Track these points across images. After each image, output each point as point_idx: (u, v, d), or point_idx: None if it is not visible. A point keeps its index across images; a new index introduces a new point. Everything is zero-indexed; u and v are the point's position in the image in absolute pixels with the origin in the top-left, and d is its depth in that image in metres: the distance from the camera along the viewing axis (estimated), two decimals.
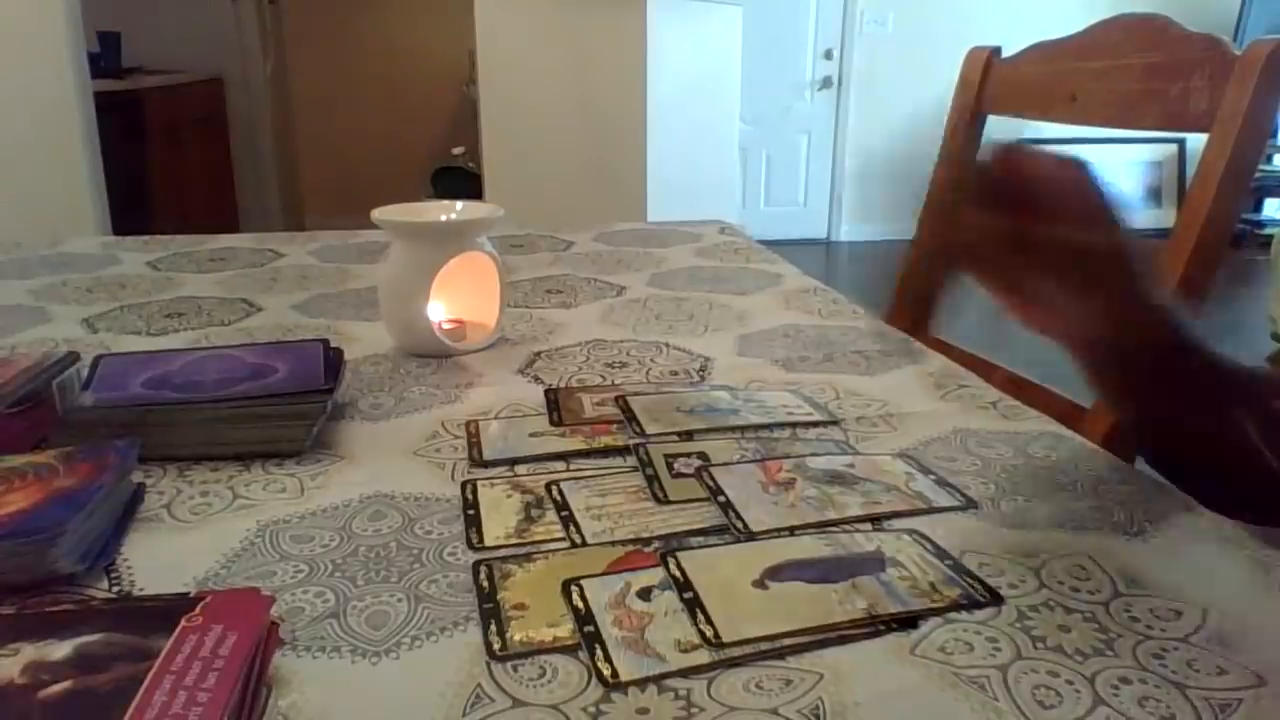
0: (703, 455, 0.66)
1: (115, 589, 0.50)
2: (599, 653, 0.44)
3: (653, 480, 0.62)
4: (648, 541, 0.55)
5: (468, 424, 0.72)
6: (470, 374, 0.84)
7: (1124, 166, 5.98)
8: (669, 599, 0.49)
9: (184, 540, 0.55)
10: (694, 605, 0.48)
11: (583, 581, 0.50)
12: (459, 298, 0.90)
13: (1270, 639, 0.47)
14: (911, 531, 0.56)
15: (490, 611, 0.48)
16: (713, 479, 0.62)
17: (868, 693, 0.42)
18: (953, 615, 0.48)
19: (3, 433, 0.63)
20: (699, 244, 1.37)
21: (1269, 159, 5.40)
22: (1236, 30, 5.56)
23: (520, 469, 0.65)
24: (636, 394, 0.76)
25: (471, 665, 0.44)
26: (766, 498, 0.60)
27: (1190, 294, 0.95)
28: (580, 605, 0.48)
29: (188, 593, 0.49)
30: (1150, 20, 1.06)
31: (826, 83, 5.84)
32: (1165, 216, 5.91)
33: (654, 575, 0.51)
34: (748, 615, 0.47)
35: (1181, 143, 5.94)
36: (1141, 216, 5.94)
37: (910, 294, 1.33)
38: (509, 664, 0.44)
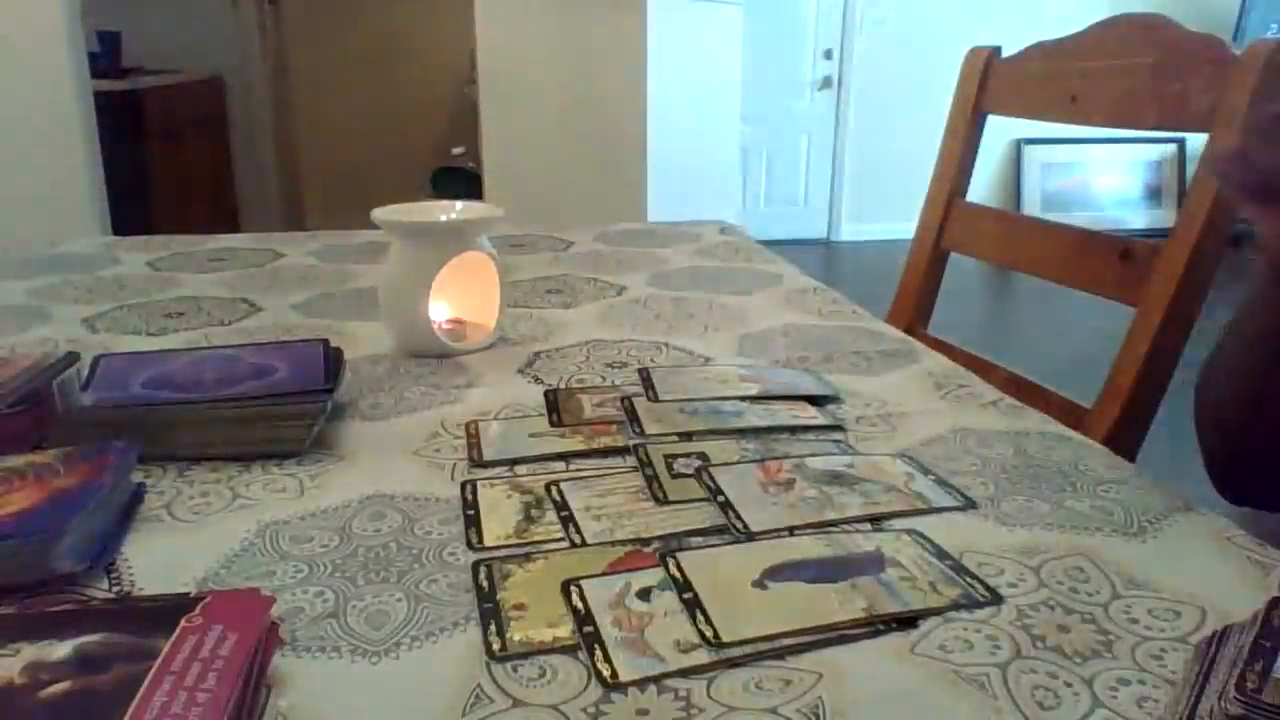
0: (702, 455, 0.66)
1: (115, 589, 0.50)
2: (599, 653, 0.44)
3: (652, 480, 0.62)
4: (647, 542, 0.55)
5: (468, 424, 0.72)
6: (470, 374, 0.84)
7: (1124, 166, 5.98)
8: (669, 599, 0.49)
9: (184, 540, 0.55)
10: (694, 605, 0.48)
11: (582, 582, 0.50)
12: (459, 298, 0.91)
13: None
14: (911, 531, 0.56)
15: (490, 611, 0.48)
16: (712, 479, 0.62)
17: (868, 692, 0.42)
18: (952, 614, 0.48)
19: (3, 433, 0.63)
20: (699, 244, 1.37)
21: None
22: (1236, 30, 5.55)
23: (520, 469, 0.65)
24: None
25: (471, 665, 0.44)
26: (766, 498, 0.60)
27: (1190, 293, 0.95)
28: (580, 605, 0.48)
29: (188, 593, 0.49)
30: (1150, 20, 1.06)
31: (826, 83, 5.84)
32: (1165, 216, 5.91)
33: (654, 575, 0.51)
34: (747, 615, 0.47)
35: (1181, 143, 5.94)
36: (1141, 216, 5.94)
37: (910, 294, 1.33)
38: (509, 664, 0.44)
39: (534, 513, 0.58)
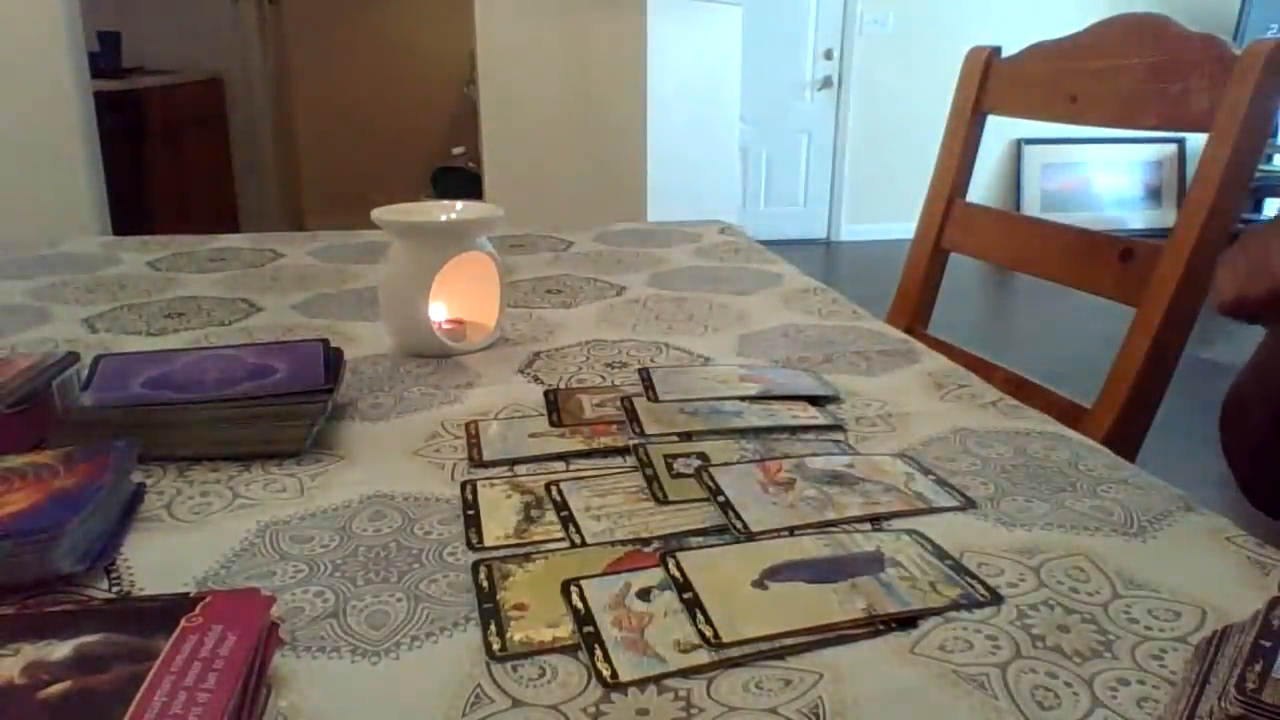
0: (702, 455, 0.66)
1: (115, 589, 0.50)
2: (599, 653, 0.44)
3: (652, 480, 0.62)
4: (647, 542, 0.55)
5: (468, 424, 0.72)
6: (470, 374, 0.84)
7: (1124, 166, 5.98)
8: (669, 599, 0.49)
9: (184, 540, 0.55)
10: (694, 605, 0.48)
11: (582, 582, 0.50)
12: (459, 298, 0.91)
13: None
14: (911, 531, 0.56)
15: (490, 612, 0.48)
16: (712, 479, 0.62)
17: (868, 692, 0.42)
18: (952, 614, 0.48)
19: (3, 433, 0.63)
20: (699, 244, 1.37)
21: (1269, 159, 5.40)
22: (1236, 30, 5.55)
23: (520, 469, 0.65)
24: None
25: (471, 665, 0.44)
26: (766, 498, 0.60)
27: (1190, 293, 0.95)
28: (580, 605, 0.48)
29: (188, 593, 0.48)
30: (1150, 20, 1.06)
31: (826, 83, 5.84)
32: (1165, 216, 5.91)
33: (654, 575, 0.51)
34: (747, 615, 0.47)
35: (1181, 143, 5.94)
36: (1141, 216, 5.94)
37: (910, 294, 1.33)
38: (509, 664, 0.44)
39: (534, 513, 0.58)
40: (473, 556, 0.53)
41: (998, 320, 4.59)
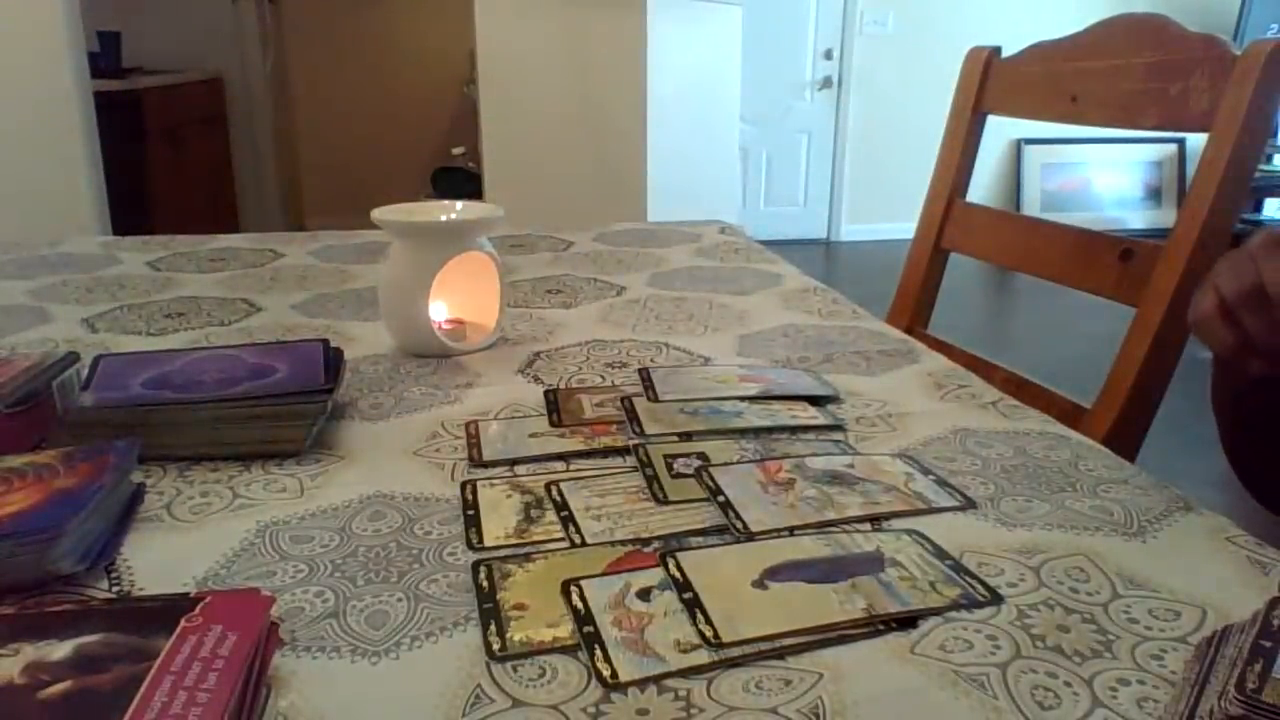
0: (702, 455, 0.66)
1: (115, 589, 0.50)
2: (599, 653, 0.44)
3: (652, 480, 0.62)
4: (647, 542, 0.55)
5: (467, 424, 0.72)
6: (470, 374, 0.84)
7: (1124, 166, 5.98)
8: (669, 599, 0.49)
9: (184, 540, 0.55)
10: (694, 605, 0.48)
11: (582, 582, 0.50)
12: (459, 298, 0.91)
13: None
14: (911, 531, 0.56)
15: (490, 612, 0.48)
16: (712, 479, 0.62)
17: (868, 692, 0.42)
18: (952, 614, 0.48)
19: (3, 433, 0.63)
20: (699, 244, 1.37)
21: (1269, 159, 5.39)
22: (1236, 30, 5.55)
23: (520, 469, 0.65)
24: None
25: (471, 665, 0.44)
26: (766, 498, 0.60)
27: (1190, 293, 0.95)
28: (580, 605, 0.48)
29: (188, 593, 0.49)
30: (1150, 20, 1.06)
31: (826, 83, 5.84)
32: (1165, 216, 5.91)
33: (654, 575, 0.51)
34: (747, 615, 0.47)
35: (1181, 143, 5.93)
36: (1141, 216, 5.94)
37: (910, 294, 1.33)
38: (509, 664, 0.44)
39: (534, 513, 0.58)
40: (473, 556, 0.53)
41: (998, 320, 4.59)
